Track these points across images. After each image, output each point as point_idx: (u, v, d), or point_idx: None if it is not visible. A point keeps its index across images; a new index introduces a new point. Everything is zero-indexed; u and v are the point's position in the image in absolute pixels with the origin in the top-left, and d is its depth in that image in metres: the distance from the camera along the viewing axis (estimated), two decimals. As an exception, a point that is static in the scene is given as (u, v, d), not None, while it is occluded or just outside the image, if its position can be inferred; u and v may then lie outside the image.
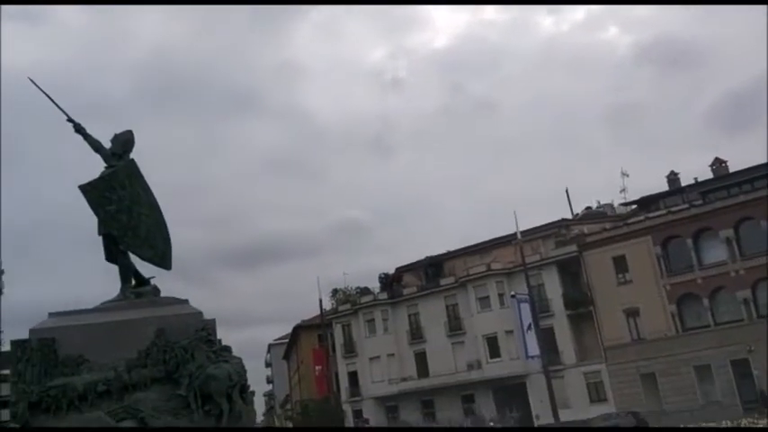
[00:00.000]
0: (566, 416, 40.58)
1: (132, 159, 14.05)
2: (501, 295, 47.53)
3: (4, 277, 37.09)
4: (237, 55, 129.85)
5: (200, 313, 13.12)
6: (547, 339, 43.44)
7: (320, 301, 48.06)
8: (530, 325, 36.52)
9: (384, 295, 54.17)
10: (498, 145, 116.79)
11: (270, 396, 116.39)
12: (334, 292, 60.83)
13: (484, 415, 26.05)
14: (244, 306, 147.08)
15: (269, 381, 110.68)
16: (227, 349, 12.98)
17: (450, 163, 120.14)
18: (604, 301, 43.99)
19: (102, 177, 13.59)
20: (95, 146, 14.24)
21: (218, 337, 13.81)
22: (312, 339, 59.01)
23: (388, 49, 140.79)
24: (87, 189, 13.39)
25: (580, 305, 45.20)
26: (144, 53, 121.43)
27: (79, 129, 14.15)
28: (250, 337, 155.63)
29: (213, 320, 13.08)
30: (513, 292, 40.81)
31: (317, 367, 54.80)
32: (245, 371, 12.62)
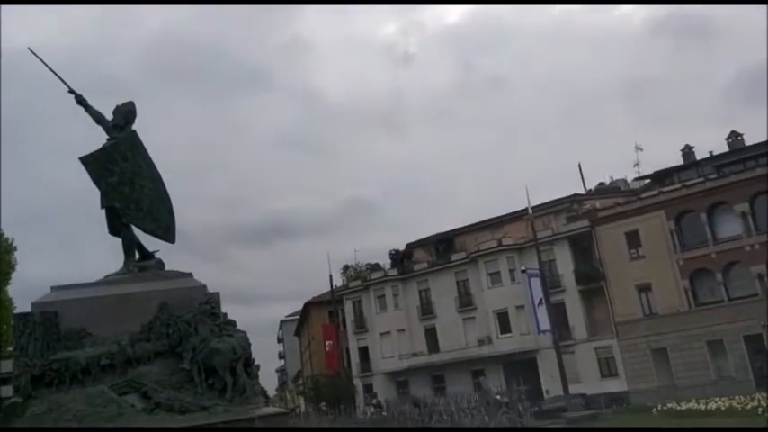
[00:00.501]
0: (576, 391, 40.50)
1: (134, 131, 13.81)
2: (512, 271, 47.29)
3: (17, 254, 37.17)
4: (247, 32, 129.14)
5: (204, 286, 12.94)
6: (558, 315, 43.25)
7: (330, 276, 48.09)
8: (540, 300, 36.22)
9: (394, 271, 54.03)
10: (510, 121, 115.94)
11: (282, 372, 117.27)
12: (345, 268, 60.84)
13: (491, 387, 25.99)
14: (257, 283, 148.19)
15: (281, 356, 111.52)
16: (232, 323, 12.82)
17: (462, 139, 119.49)
18: (616, 276, 43.65)
19: (103, 149, 13.37)
20: (97, 117, 14.03)
21: (224, 311, 13.67)
22: (323, 315, 59.13)
23: (399, 25, 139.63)
24: (88, 161, 13.18)
25: (592, 280, 44.91)
26: (152, 31, 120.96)
27: (81, 100, 13.95)
28: (263, 314, 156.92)
29: (217, 294, 12.90)
30: (523, 267, 40.46)
31: (327, 342, 54.93)
32: (249, 344, 12.46)
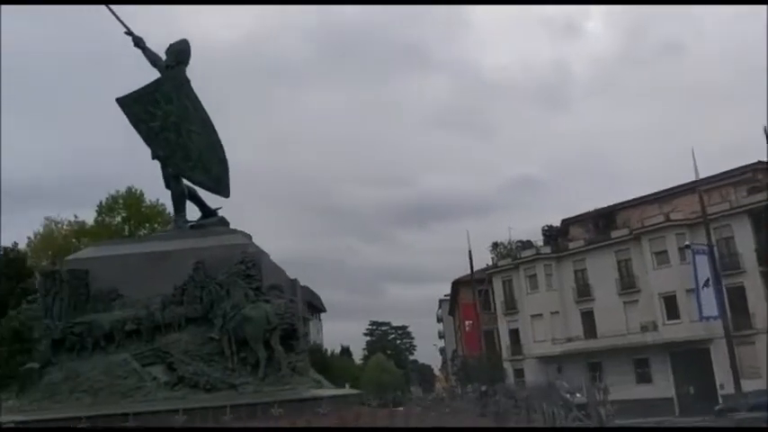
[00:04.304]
0: (754, 386, 34.97)
1: (181, 68, 12.27)
2: (681, 249, 41.88)
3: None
4: (403, 8, 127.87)
5: (245, 244, 11.08)
6: (736, 299, 37.79)
7: (470, 253, 45.19)
8: (707, 280, 31.22)
9: (547, 249, 50.21)
10: (686, 91, 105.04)
11: (441, 351, 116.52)
12: (494, 246, 57.67)
13: (563, 384, 21.07)
14: (419, 262, 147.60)
15: (440, 336, 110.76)
16: (277, 287, 10.91)
17: (631, 110, 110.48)
18: (810, 256, 37.13)
19: (143, 89, 11.93)
20: (152, 60, 12.72)
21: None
22: (470, 294, 56.59)
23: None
24: (127, 103, 11.83)
25: (778, 261, 38.60)
26: (312, 14, 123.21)
27: (137, 42, 12.70)
28: (426, 293, 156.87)
29: (258, 253, 11.00)
30: (687, 242, 35.29)
31: (466, 322, 52.40)
32: (291, 314, 10.44)
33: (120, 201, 42.32)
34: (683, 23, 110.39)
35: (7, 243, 41.77)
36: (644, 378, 44.47)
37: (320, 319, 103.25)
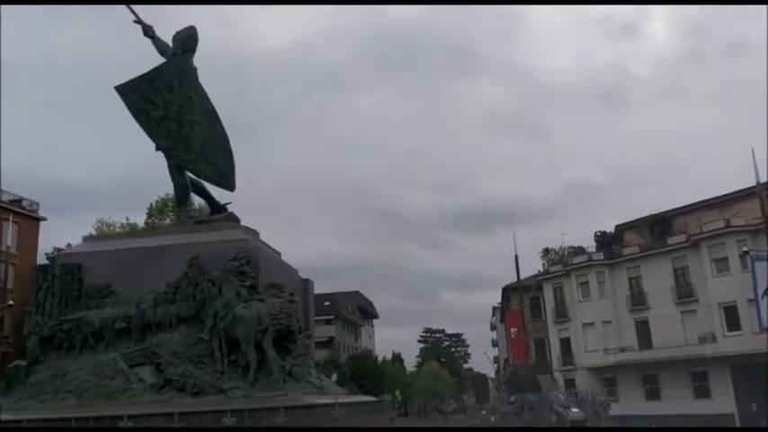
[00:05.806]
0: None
1: (187, 56, 11.76)
2: (743, 257, 39.67)
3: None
4: (454, 11, 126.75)
5: (244, 239, 10.48)
6: (800, 310, 35.19)
7: (516, 258, 43.68)
8: (767, 289, 29.29)
9: (600, 255, 48.31)
10: (749, 91, 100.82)
11: (495, 360, 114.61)
12: (545, 252, 55.96)
13: (559, 396, 19.48)
14: (476, 269, 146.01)
15: (494, 344, 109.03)
16: (277, 286, 10.23)
17: (693, 113, 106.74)
18: None
19: (143, 76, 11.46)
20: (161, 48, 12.32)
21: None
22: (523, 301, 55.03)
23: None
24: (125, 91, 11.37)
25: None
26: (362, 16, 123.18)
27: (146, 31, 12.30)
28: (482, 300, 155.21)
29: (256, 249, 10.33)
30: (744, 248, 33.23)
31: (512, 329, 50.76)
32: (286, 314, 9.73)
33: (170, 203, 42.82)
34: (747, 21, 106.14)
35: (61, 245, 43.18)
36: (702, 393, 42.22)
37: (372, 326, 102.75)
